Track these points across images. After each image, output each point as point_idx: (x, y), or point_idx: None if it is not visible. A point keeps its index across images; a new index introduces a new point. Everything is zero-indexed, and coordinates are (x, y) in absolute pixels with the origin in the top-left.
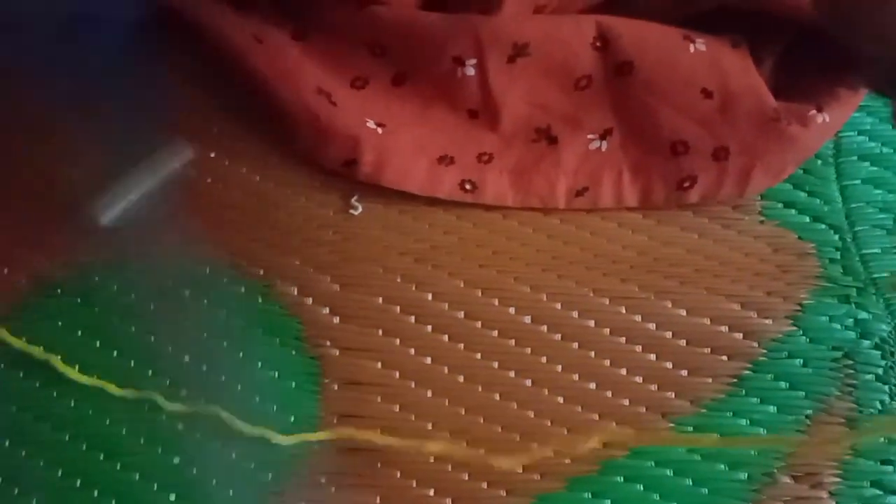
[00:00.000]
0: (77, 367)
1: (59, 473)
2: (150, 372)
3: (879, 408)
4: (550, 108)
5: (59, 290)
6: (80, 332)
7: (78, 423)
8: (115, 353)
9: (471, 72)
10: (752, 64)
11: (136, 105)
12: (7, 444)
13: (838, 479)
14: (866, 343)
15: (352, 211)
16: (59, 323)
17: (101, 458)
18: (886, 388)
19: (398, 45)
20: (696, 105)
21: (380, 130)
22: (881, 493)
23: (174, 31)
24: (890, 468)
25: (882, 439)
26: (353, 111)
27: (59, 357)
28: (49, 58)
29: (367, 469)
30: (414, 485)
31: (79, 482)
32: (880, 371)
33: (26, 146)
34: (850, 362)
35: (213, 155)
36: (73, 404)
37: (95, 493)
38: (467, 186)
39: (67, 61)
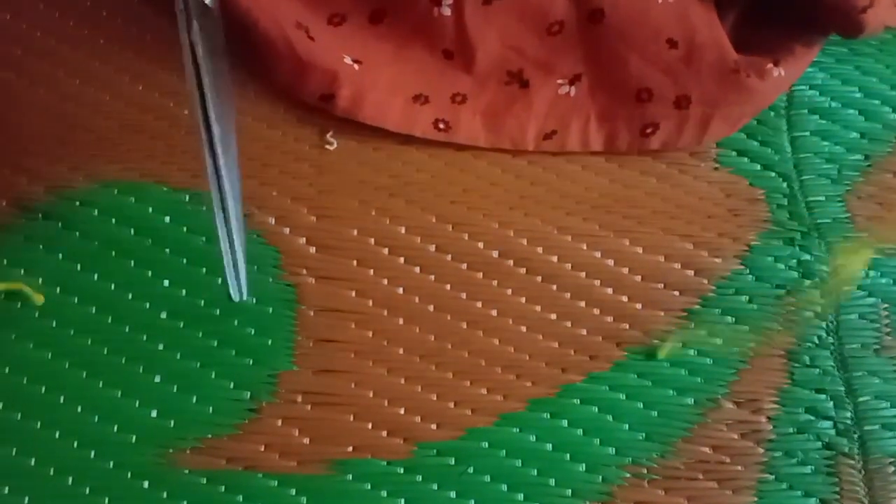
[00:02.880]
0: (57, 289)
1: (43, 390)
2: (129, 296)
3: (816, 342)
4: (523, 52)
5: (39, 215)
6: (60, 256)
7: (57, 342)
8: (94, 276)
9: (447, 12)
10: (717, 17)
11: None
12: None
13: (776, 406)
14: (808, 283)
15: (327, 146)
16: (40, 246)
17: (84, 376)
18: (823, 324)
19: None
20: (662, 54)
21: (356, 67)
22: (814, 418)
23: None
24: (823, 396)
25: (816, 370)
26: (331, 47)
27: (39, 280)
28: None
29: (341, 389)
30: (386, 403)
31: (62, 398)
32: (818, 308)
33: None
34: (793, 300)
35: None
36: (53, 325)
37: (79, 408)
38: (441, 126)
39: None
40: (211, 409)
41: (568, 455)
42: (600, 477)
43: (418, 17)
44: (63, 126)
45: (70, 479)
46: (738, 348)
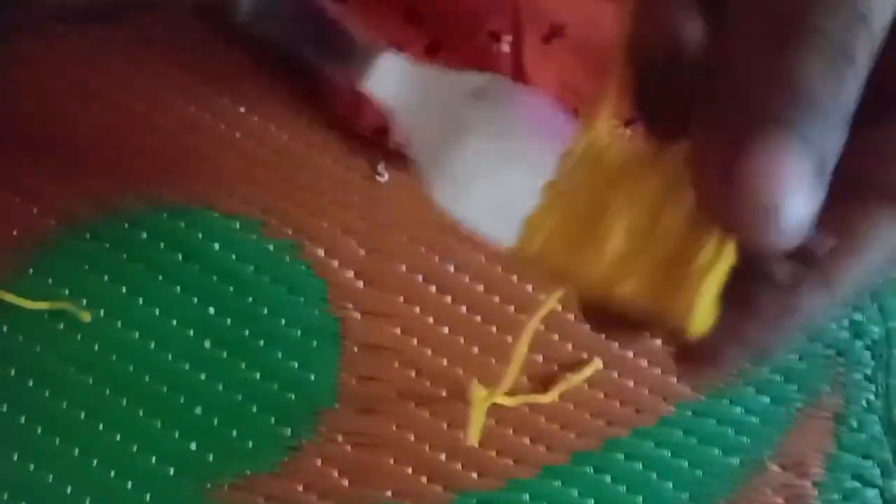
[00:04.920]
0: (101, 312)
1: (83, 415)
2: (174, 322)
3: (865, 405)
4: (580, 91)
5: (88, 235)
6: (106, 278)
7: (99, 366)
8: (140, 300)
9: (506, 48)
10: None
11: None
12: (31, 383)
13: (822, 471)
14: (859, 343)
15: (378, 177)
16: (86, 266)
17: (124, 403)
18: (873, 387)
19: (437, 15)
20: None
21: None
22: (860, 485)
23: None
24: (870, 462)
25: (864, 436)
26: None
27: (84, 301)
28: None
29: (382, 430)
30: (427, 448)
31: (101, 424)
32: (869, 371)
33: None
34: (843, 360)
35: (243, 109)
36: (96, 348)
37: (118, 436)
38: None
39: None
40: (251, 444)
41: None
42: None
43: (475, 52)
44: (114, 146)
45: None
46: (786, 408)
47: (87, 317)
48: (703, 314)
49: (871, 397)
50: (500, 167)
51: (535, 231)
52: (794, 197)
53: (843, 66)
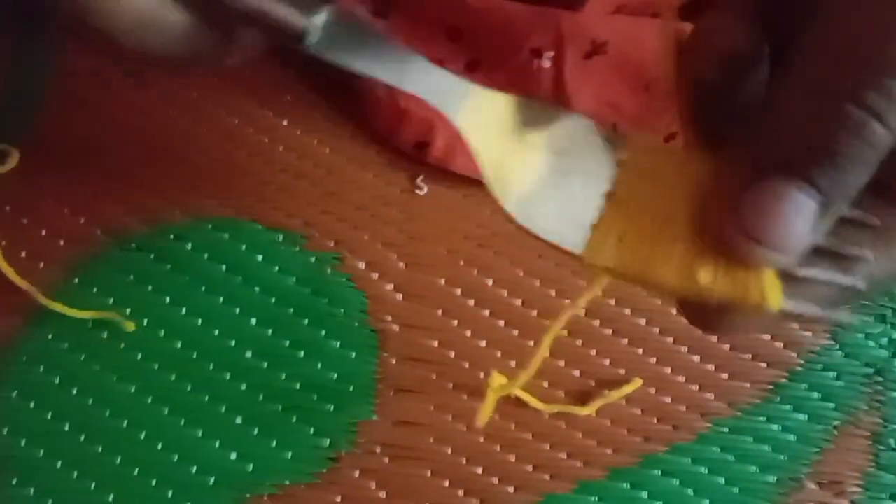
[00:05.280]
0: (145, 322)
1: (125, 424)
2: (216, 332)
3: None
4: (619, 108)
5: (133, 245)
6: (150, 288)
7: (142, 375)
8: (183, 311)
9: (547, 64)
10: None
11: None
12: (74, 391)
13: (860, 490)
14: None
15: (417, 191)
16: (131, 277)
17: (166, 412)
18: None
19: (477, 32)
20: None
21: None
22: None
23: None
24: None
25: None
26: None
27: (128, 311)
28: None
29: (419, 443)
30: (464, 462)
31: (143, 434)
32: None
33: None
34: (881, 379)
35: (285, 123)
36: (139, 357)
37: (159, 445)
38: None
39: None
40: (290, 454)
41: None
42: None
43: (516, 68)
44: (159, 158)
45: None
46: (824, 426)
47: (130, 326)
48: (774, 289)
49: None
50: (563, 180)
51: (603, 239)
52: (790, 234)
53: (870, 137)
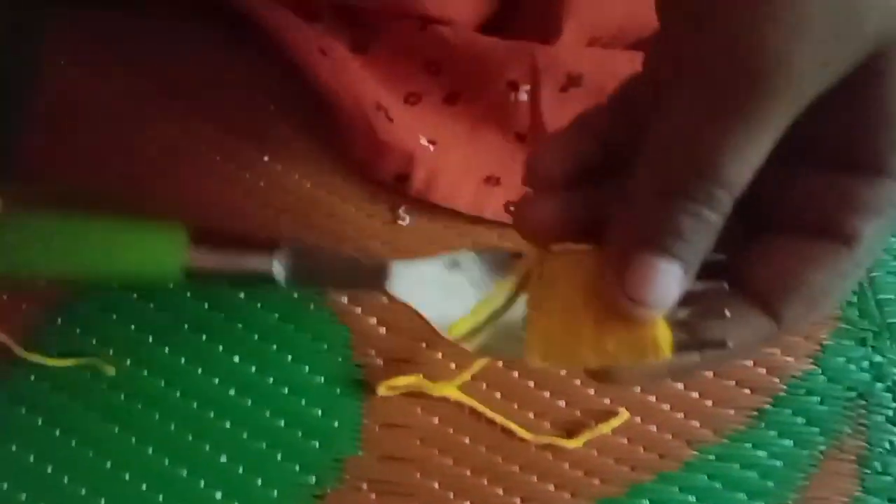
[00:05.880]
0: (128, 361)
1: (109, 465)
2: (199, 370)
3: (888, 447)
4: None
5: (116, 285)
6: (133, 328)
7: (125, 415)
8: (166, 349)
9: (524, 97)
10: None
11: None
12: (58, 433)
13: None
14: (880, 385)
15: (400, 221)
16: (114, 316)
17: (150, 452)
18: (895, 429)
19: (455, 65)
20: None
21: (431, 148)
22: None
23: (234, 32)
24: None
25: (889, 478)
26: (409, 127)
27: (111, 350)
28: None
29: (406, 478)
30: (451, 496)
31: (128, 474)
32: (891, 413)
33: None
34: (864, 403)
35: (266, 158)
36: (122, 397)
37: (144, 486)
38: (512, 208)
39: None
40: (276, 492)
41: None
42: None
43: (494, 101)
44: (137, 194)
45: None
46: (809, 451)
47: (111, 370)
48: (665, 340)
49: (894, 439)
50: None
51: (533, 342)
52: (664, 293)
53: (706, 219)
